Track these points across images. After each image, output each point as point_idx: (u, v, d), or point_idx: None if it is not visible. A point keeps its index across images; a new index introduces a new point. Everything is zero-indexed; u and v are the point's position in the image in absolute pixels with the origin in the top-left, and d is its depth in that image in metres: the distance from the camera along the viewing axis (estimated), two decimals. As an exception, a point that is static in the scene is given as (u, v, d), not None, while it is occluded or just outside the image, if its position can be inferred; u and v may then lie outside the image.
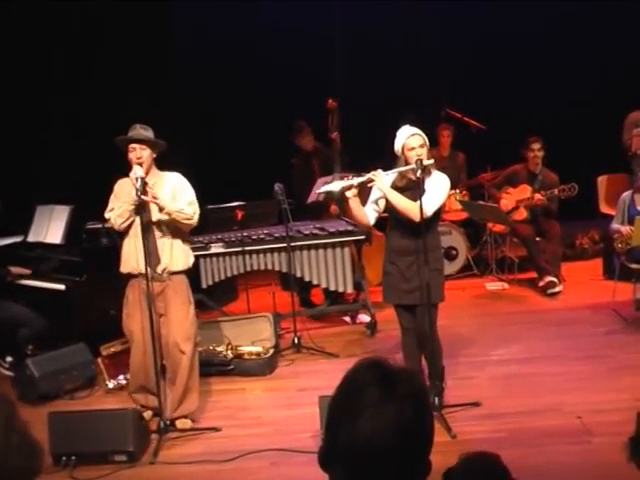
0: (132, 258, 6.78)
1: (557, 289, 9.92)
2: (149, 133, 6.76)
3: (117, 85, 11.09)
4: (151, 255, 6.70)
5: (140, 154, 6.67)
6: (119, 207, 6.72)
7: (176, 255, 6.87)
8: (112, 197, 6.89)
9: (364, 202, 6.62)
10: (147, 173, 6.66)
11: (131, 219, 6.72)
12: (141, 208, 6.63)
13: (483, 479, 2.54)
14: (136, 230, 6.71)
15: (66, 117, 11.09)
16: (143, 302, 6.73)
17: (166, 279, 6.82)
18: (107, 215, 6.86)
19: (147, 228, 6.67)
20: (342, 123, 10.10)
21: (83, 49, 11.13)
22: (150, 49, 11.56)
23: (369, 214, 6.61)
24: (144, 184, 6.55)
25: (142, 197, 6.51)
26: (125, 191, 6.75)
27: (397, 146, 6.47)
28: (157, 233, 6.77)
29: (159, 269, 6.77)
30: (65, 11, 10.95)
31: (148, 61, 11.47)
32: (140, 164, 6.64)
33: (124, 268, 6.89)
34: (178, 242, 6.88)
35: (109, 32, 11.22)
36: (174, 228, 6.82)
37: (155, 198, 6.60)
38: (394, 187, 6.51)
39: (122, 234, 6.88)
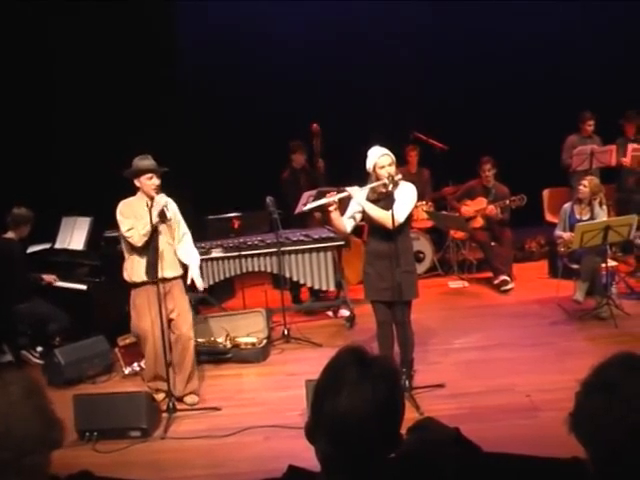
0: (147, 268, 6.81)
1: (509, 286, 9.96)
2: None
3: (121, 101, 11.00)
4: (170, 262, 6.87)
5: (158, 181, 6.77)
6: (143, 227, 6.67)
7: (178, 263, 7.00)
8: (121, 217, 6.82)
9: (343, 212, 6.64)
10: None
11: None
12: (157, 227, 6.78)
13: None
14: (148, 244, 6.77)
15: (78, 132, 10.97)
16: (154, 303, 6.77)
17: (173, 281, 6.93)
18: (129, 234, 6.73)
19: (156, 241, 6.80)
20: (325, 144, 10.18)
21: (89, 64, 11.03)
22: (154, 67, 11.47)
23: (347, 224, 6.62)
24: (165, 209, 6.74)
25: (168, 218, 6.77)
26: (134, 211, 6.81)
27: (369, 164, 6.47)
28: (172, 246, 6.87)
29: (171, 274, 6.87)
30: (70, 23, 10.85)
31: (153, 84, 11.41)
32: (157, 191, 6.73)
33: (138, 277, 6.84)
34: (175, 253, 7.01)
35: (112, 45, 11.06)
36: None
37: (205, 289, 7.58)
38: (368, 200, 6.53)
39: (133, 248, 6.83)
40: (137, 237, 6.71)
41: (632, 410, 1.91)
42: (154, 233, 6.75)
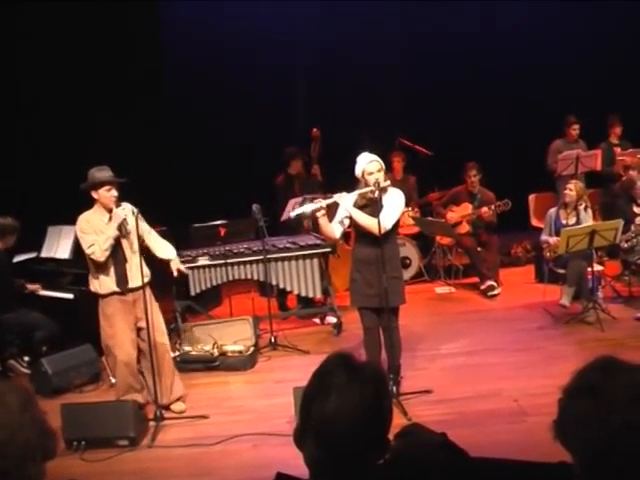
0: (114, 278, 6.75)
1: (496, 292, 9.99)
2: None
3: (104, 108, 11.01)
4: (135, 272, 6.73)
5: (116, 193, 6.67)
6: (105, 241, 6.60)
7: (145, 270, 6.84)
8: (81, 234, 6.72)
9: (332, 219, 6.64)
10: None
11: None
12: (119, 239, 6.71)
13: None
14: (112, 256, 6.70)
15: (62, 141, 10.94)
16: (125, 312, 6.79)
17: (142, 289, 6.82)
18: (90, 250, 6.63)
19: (121, 252, 6.74)
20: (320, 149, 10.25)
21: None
22: (139, 72, 11.49)
23: (336, 230, 6.63)
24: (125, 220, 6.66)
25: (128, 231, 6.70)
26: (93, 226, 6.70)
27: (358, 171, 6.50)
28: (136, 255, 6.73)
29: (142, 282, 6.75)
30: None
31: (135, 88, 11.42)
32: (116, 202, 6.66)
33: (107, 289, 6.76)
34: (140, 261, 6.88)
35: (92, 50, 11.12)
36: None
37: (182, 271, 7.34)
38: (357, 205, 6.54)
39: (96, 263, 6.71)
40: (99, 252, 6.62)
41: (615, 412, 1.92)
42: (117, 245, 6.70)
